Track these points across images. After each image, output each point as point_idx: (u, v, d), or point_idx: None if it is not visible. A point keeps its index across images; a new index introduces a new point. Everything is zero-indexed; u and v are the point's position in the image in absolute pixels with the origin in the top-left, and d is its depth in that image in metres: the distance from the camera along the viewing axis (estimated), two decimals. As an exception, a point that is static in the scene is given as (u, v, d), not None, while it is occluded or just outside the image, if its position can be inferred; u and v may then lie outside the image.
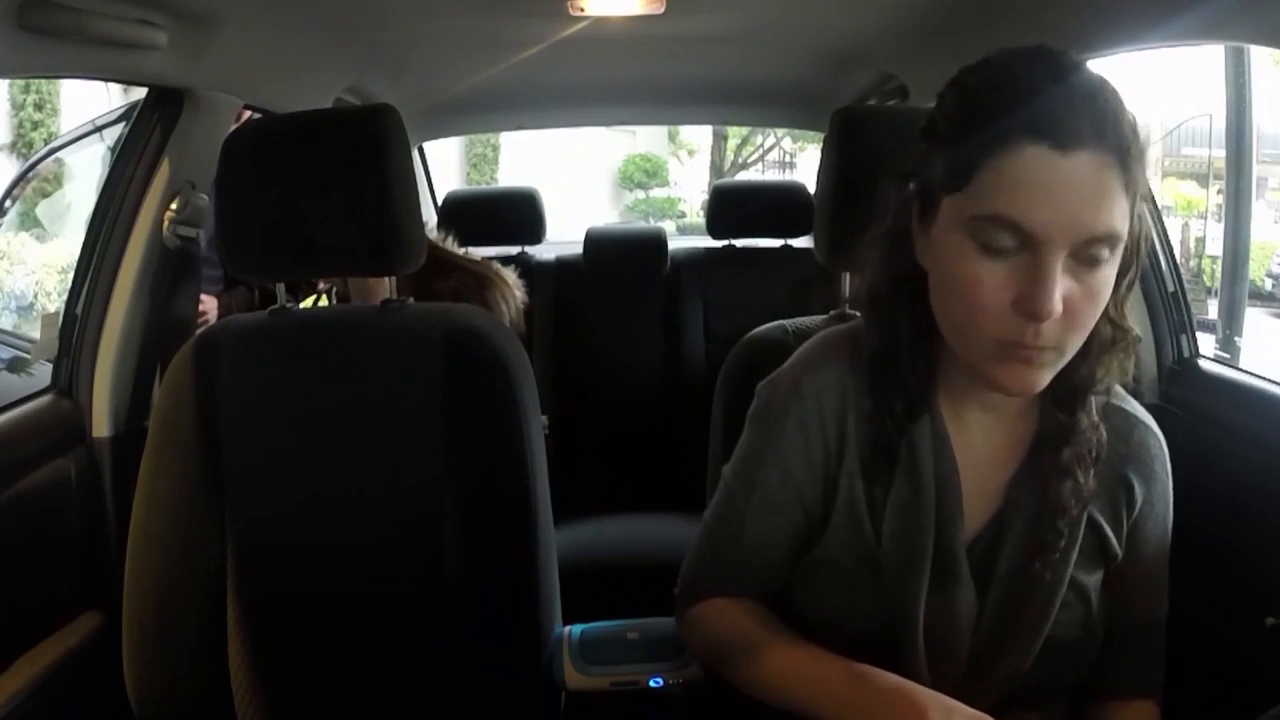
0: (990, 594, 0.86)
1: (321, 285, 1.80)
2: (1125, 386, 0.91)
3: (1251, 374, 1.28)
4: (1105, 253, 0.72)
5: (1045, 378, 0.77)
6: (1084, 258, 0.72)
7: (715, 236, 2.49)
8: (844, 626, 0.88)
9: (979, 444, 0.87)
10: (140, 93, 1.47)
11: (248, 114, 1.68)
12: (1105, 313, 0.77)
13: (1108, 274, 0.74)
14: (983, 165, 0.72)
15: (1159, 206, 1.45)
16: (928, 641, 0.84)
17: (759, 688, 0.88)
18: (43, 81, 8.69)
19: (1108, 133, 0.70)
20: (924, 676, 0.84)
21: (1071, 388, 0.82)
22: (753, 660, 0.88)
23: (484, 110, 2.65)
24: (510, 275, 1.79)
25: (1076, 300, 0.73)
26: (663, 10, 1.49)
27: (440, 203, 2.63)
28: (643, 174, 13.55)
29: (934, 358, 0.86)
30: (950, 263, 0.76)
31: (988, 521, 0.87)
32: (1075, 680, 0.91)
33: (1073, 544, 0.85)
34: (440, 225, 2.43)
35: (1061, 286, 0.71)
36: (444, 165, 9.81)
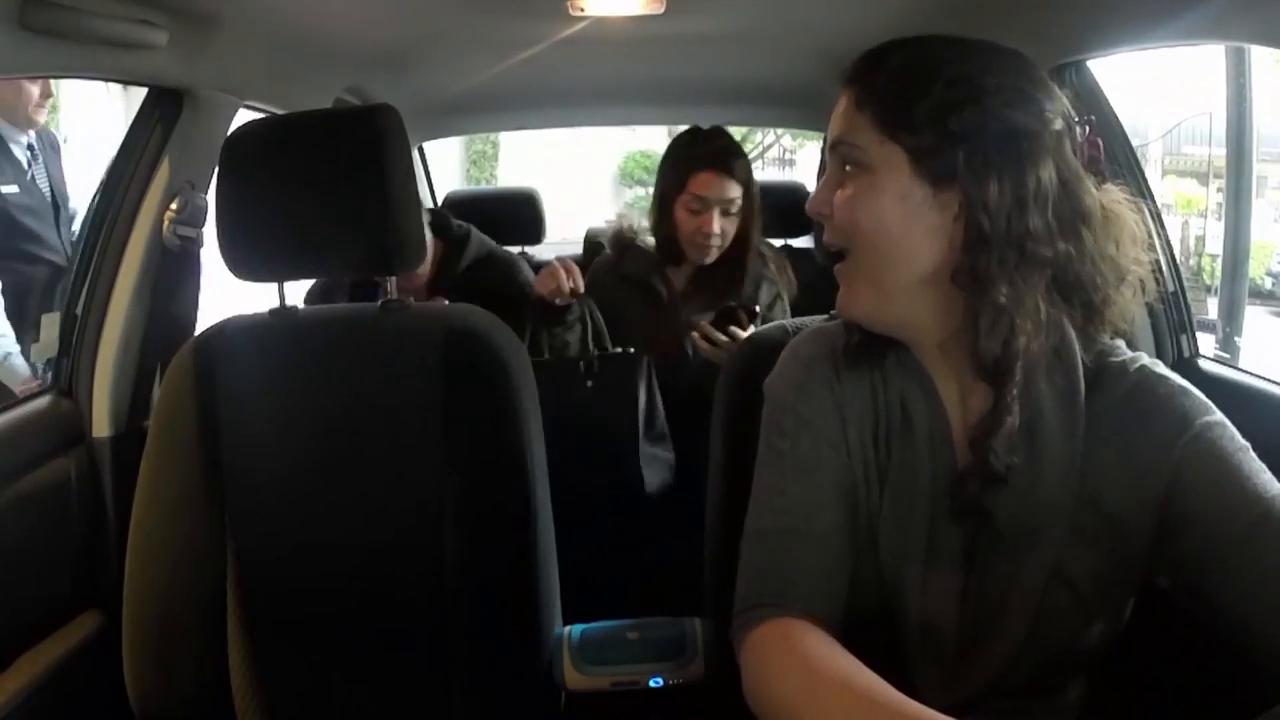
0: (977, 571, 0.86)
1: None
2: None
3: (1251, 374, 1.28)
4: (854, 156, 0.83)
5: (849, 293, 0.86)
6: (847, 167, 0.84)
7: None
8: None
9: (956, 415, 0.88)
10: (141, 93, 1.47)
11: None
12: (981, 279, 0.79)
13: (861, 186, 0.82)
14: None
15: (1159, 206, 1.45)
16: (919, 618, 0.85)
17: None
18: (42, 81, 8.69)
19: (861, 81, 0.85)
20: (915, 654, 0.85)
21: (988, 360, 0.82)
22: None
23: (484, 110, 2.64)
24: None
25: (839, 201, 0.84)
26: (663, 10, 1.49)
27: (440, 203, 2.62)
28: (643, 171, 13.52)
29: None
30: None
31: (973, 495, 0.86)
32: (1079, 664, 0.90)
33: (1059, 525, 0.83)
34: None
35: (837, 194, 0.84)
36: (444, 165, 9.80)
